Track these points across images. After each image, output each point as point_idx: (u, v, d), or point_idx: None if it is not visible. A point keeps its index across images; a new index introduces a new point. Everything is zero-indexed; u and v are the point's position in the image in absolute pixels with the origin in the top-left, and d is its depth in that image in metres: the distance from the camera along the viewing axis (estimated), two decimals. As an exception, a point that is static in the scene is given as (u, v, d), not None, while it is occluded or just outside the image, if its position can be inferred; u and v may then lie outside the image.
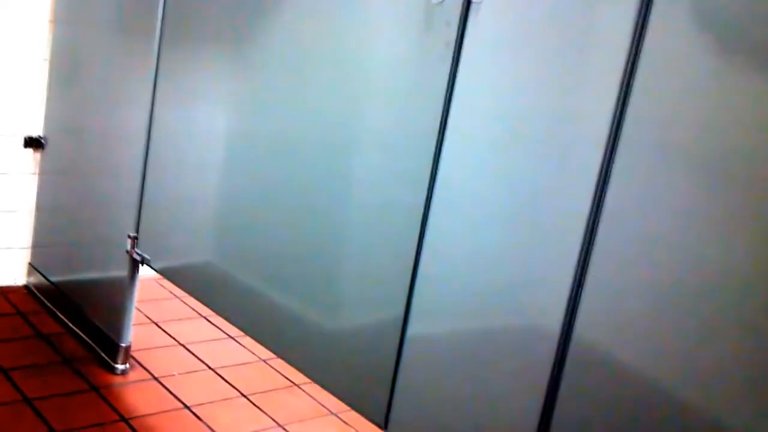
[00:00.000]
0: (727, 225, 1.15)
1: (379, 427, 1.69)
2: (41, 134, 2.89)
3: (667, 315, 1.21)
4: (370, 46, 1.73)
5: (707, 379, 1.17)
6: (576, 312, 1.33)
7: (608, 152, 1.28)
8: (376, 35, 1.72)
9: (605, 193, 1.29)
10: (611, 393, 1.28)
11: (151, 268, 2.42)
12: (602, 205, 1.29)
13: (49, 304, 2.86)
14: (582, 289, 1.32)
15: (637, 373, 1.25)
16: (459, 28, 1.50)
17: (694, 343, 1.18)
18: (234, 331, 2.91)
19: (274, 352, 2.03)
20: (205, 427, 2.33)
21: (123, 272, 2.51)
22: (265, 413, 2.46)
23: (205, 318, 3.04)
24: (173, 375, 2.59)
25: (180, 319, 3.00)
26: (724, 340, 1.15)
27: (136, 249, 2.45)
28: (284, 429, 2.40)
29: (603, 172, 1.29)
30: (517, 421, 1.41)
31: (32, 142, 2.88)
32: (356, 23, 1.76)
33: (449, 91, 1.53)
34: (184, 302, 3.13)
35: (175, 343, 2.82)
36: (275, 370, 2.74)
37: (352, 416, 2.45)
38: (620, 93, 1.27)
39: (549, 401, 1.37)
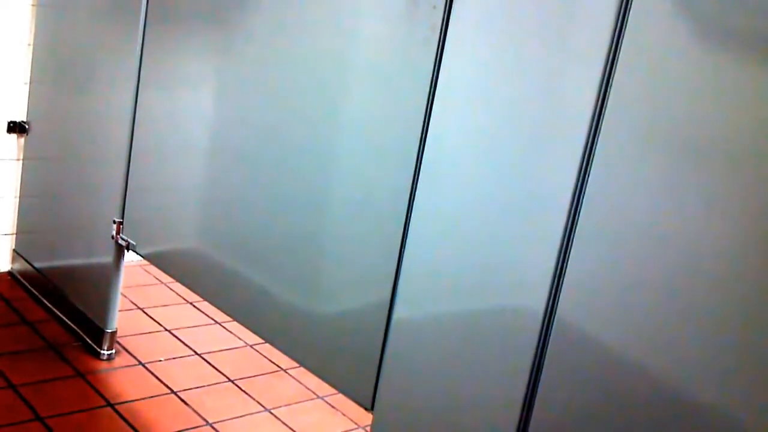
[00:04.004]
0: (706, 207, 1.16)
1: (366, 409, 1.70)
2: (25, 119, 2.87)
3: (649, 296, 1.22)
4: (356, 30, 1.73)
5: (692, 361, 1.18)
6: (559, 293, 1.34)
7: (591, 135, 1.29)
8: (361, 18, 1.71)
9: (588, 175, 1.29)
10: (595, 373, 1.29)
11: (137, 253, 2.42)
12: (585, 187, 1.30)
13: (34, 291, 2.85)
14: (565, 270, 1.33)
15: (619, 355, 1.26)
16: (445, 11, 1.50)
17: (678, 325, 1.19)
18: (220, 316, 2.91)
19: (261, 337, 2.04)
20: (192, 412, 2.33)
21: (108, 258, 2.50)
22: (251, 398, 2.47)
23: (191, 303, 3.03)
24: (159, 360, 2.59)
25: (166, 305, 3.00)
26: (710, 321, 1.16)
27: (121, 234, 2.44)
28: (271, 413, 2.40)
29: (586, 154, 1.29)
30: (502, 402, 1.42)
31: (16, 128, 2.87)
32: (341, 7, 1.75)
33: (435, 74, 1.53)
34: (170, 288, 3.13)
35: (161, 328, 2.82)
36: (261, 354, 2.75)
37: (339, 399, 2.46)
38: (603, 76, 1.27)
39: (533, 382, 1.38)
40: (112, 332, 2.55)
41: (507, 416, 1.41)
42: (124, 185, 2.43)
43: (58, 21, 2.75)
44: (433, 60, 1.53)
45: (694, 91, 1.18)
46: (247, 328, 2.06)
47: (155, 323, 2.85)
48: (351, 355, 1.73)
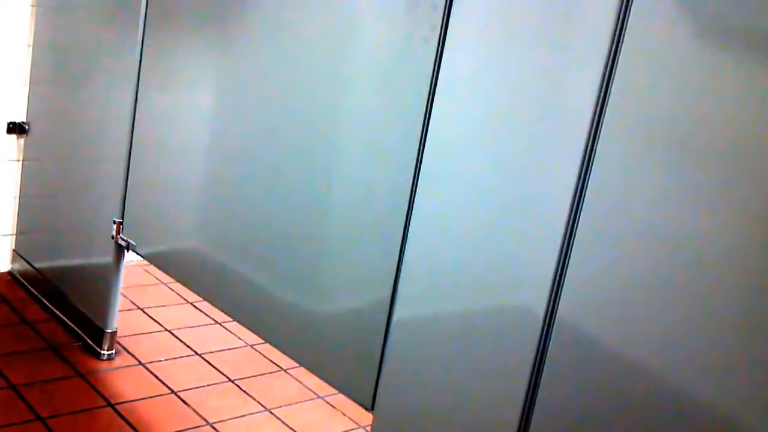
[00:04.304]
0: (706, 207, 1.16)
1: (366, 409, 1.70)
2: (24, 120, 2.87)
3: (650, 296, 1.22)
4: (356, 30, 1.73)
5: (692, 361, 1.18)
6: (560, 293, 1.34)
7: (592, 134, 1.29)
8: (361, 18, 1.72)
9: (589, 174, 1.29)
10: (595, 372, 1.29)
11: (137, 253, 2.42)
12: (585, 187, 1.30)
13: (34, 291, 2.85)
14: (566, 270, 1.33)
15: (620, 354, 1.26)
16: (444, 11, 1.50)
17: (681, 321, 1.19)
18: (220, 316, 2.91)
19: (261, 337, 2.04)
20: (192, 412, 2.33)
21: (108, 258, 2.50)
22: (252, 398, 2.47)
23: (191, 304, 3.04)
24: (159, 360, 2.59)
25: (166, 305, 3.00)
26: (710, 320, 1.16)
27: (121, 234, 2.44)
28: (271, 413, 2.40)
29: (587, 153, 1.29)
30: (502, 403, 1.42)
31: (15, 128, 2.87)
32: (341, 7, 1.75)
33: (435, 74, 1.53)
34: (170, 288, 3.13)
35: (162, 328, 2.82)
36: (262, 354, 2.75)
37: (339, 399, 2.46)
38: (604, 75, 1.27)
39: (533, 382, 1.38)
40: (112, 332, 2.55)
41: (508, 416, 1.42)
42: (123, 185, 2.43)
43: (57, 21, 2.75)
44: (433, 59, 1.53)
45: (695, 91, 1.18)
46: (247, 328, 2.06)
47: (155, 323, 2.85)
48: (351, 355, 1.73)
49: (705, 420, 1.17)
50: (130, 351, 2.61)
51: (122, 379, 2.44)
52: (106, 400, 2.31)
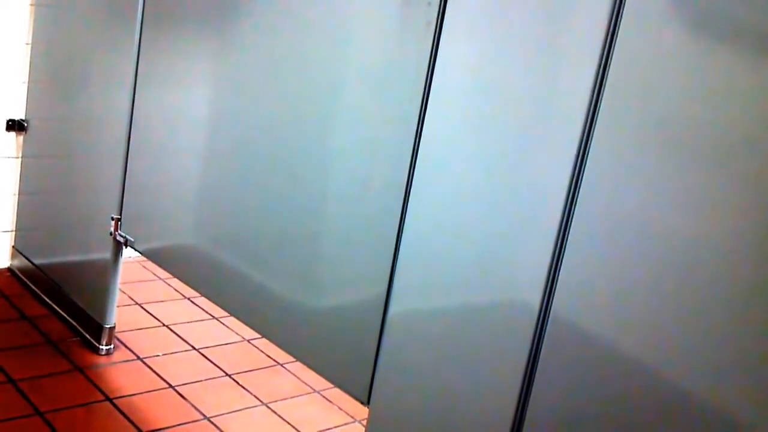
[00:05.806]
0: (699, 205, 1.17)
1: (362, 403, 1.71)
2: (23, 117, 2.88)
3: (644, 293, 1.23)
4: (351, 26, 1.74)
5: (686, 358, 1.18)
6: (554, 290, 1.34)
7: (586, 131, 1.29)
8: (357, 14, 1.73)
9: (583, 171, 1.30)
10: (590, 369, 1.30)
11: (135, 249, 2.43)
12: (580, 182, 1.30)
13: (33, 287, 2.87)
14: (560, 267, 1.34)
15: (615, 352, 1.27)
16: (440, 7, 1.51)
17: (674, 320, 1.20)
18: (217, 311, 2.92)
19: (258, 332, 2.05)
20: (190, 407, 2.34)
21: (106, 254, 2.52)
22: (248, 392, 2.48)
23: (188, 299, 3.05)
24: (157, 355, 2.61)
25: (163, 301, 3.01)
26: (703, 318, 1.17)
27: (119, 231, 2.46)
28: (268, 407, 2.42)
29: (581, 151, 1.30)
30: (496, 398, 1.44)
31: (14, 126, 2.88)
32: (336, 3, 1.77)
33: (430, 70, 1.54)
34: (168, 283, 3.14)
35: (159, 324, 2.83)
36: (258, 349, 2.76)
37: (335, 393, 2.48)
38: (597, 73, 1.28)
39: (528, 377, 1.39)
40: (110, 327, 2.56)
41: (502, 410, 1.42)
42: (121, 182, 2.44)
43: (56, 20, 2.76)
44: (429, 56, 1.54)
45: (687, 92, 1.18)
46: (244, 323, 2.07)
47: (153, 319, 2.86)
48: (347, 350, 1.75)
49: (699, 417, 1.18)
50: (128, 346, 2.63)
51: (120, 374, 2.46)
52: (104, 394, 2.32)
